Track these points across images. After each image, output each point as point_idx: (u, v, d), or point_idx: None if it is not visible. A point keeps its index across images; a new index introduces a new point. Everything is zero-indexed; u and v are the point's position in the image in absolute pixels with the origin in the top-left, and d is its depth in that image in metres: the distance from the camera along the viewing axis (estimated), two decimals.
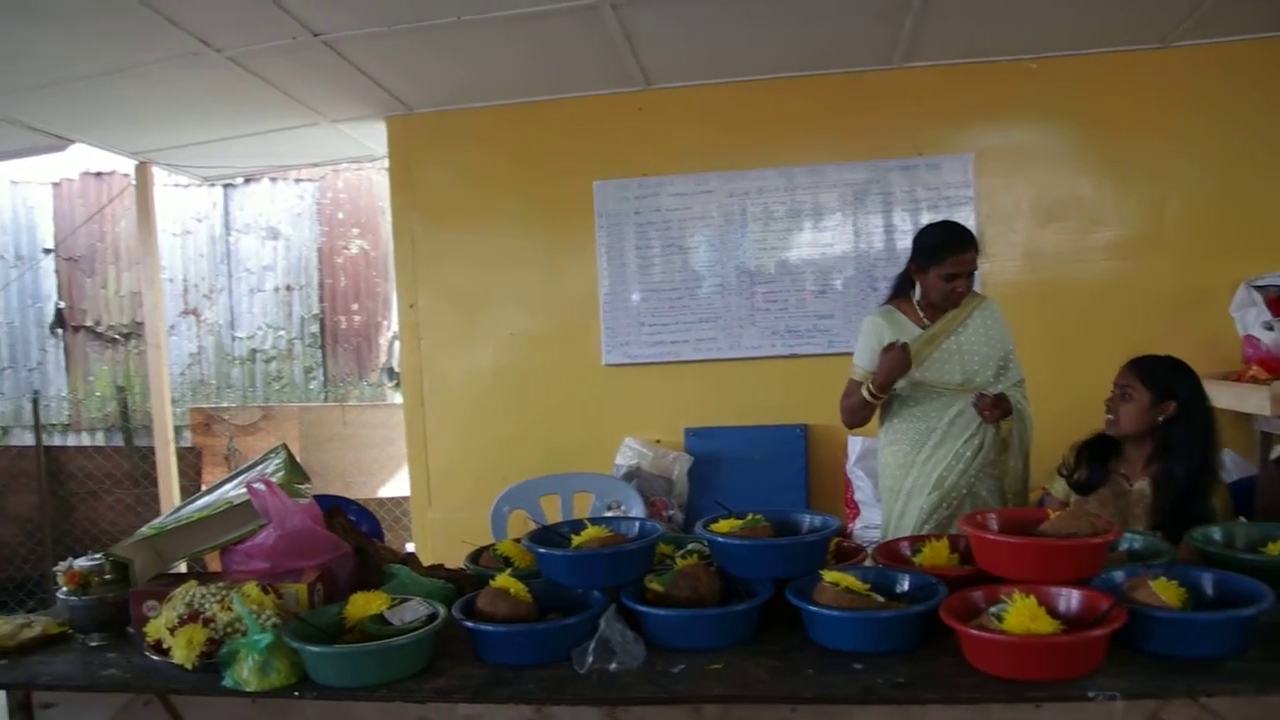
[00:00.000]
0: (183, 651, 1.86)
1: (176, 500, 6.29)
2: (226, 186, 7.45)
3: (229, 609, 1.90)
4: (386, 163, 5.66)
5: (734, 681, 1.80)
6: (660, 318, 5.09)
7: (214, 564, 2.56)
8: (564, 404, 5.22)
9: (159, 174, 6.33)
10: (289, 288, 7.51)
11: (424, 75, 4.70)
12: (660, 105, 5.06)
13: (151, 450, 6.61)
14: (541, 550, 2.09)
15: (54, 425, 7.23)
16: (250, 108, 5.02)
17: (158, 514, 6.42)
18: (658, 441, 5.02)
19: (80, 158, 6.95)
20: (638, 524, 2.25)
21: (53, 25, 3.72)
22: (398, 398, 7.48)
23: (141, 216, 6.28)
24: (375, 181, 7.45)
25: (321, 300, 7.51)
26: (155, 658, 1.95)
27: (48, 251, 7.50)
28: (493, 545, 2.47)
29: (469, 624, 1.89)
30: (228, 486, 2.32)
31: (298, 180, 7.51)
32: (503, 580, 1.98)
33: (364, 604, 1.96)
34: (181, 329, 7.45)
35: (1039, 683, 1.69)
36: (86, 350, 7.55)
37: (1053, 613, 1.76)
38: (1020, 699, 1.71)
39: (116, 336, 7.53)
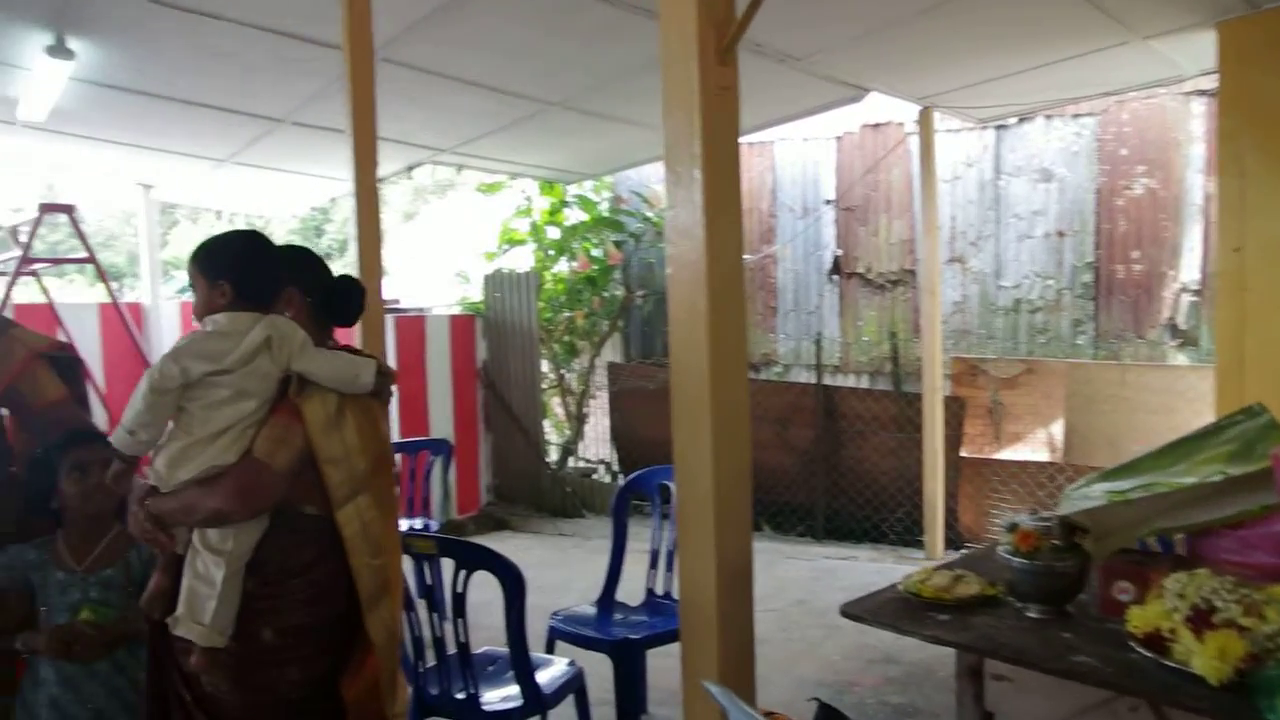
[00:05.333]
0: (1210, 663, 1.43)
1: (939, 448, 6.20)
2: (999, 128, 7.11)
3: (1264, 617, 1.43)
4: (1193, 84, 4.75)
5: None
6: None
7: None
8: None
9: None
10: (1060, 233, 6.94)
11: None
12: None
13: (915, 396, 6.62)
14: None
15: (825, 365, 7.64)
16: (1052, 33, 4.62)
17: (918, 459, 6.46)
18: None
19: (860, 111, 7.16)
20: None
21: None
22: (1180, 358, 6.52)
23: (923, 161, 6.24)
24: (1169, 110, 6.48)
25: (1097, 247, 6.81)
26: (1145, 653, 1.57)
27: (828, 203, 7.95)
28: None
29: None
30: (1200, 456, 1.83)
31: (1075, 116, 6.87)
32: None
33: None
34: (946, 276, 7.34)
35: None
36: (857, 296, 7.88)
37: None
38: None
39: (884, 284, 7.72)
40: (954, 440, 6.55)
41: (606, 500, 7.99)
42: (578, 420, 8.74)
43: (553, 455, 8.63)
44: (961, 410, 6.66)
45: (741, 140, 8.65)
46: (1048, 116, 6.94)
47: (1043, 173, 7.00)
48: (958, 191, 7.32)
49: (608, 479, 8.69)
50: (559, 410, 9.01)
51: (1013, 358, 6.96)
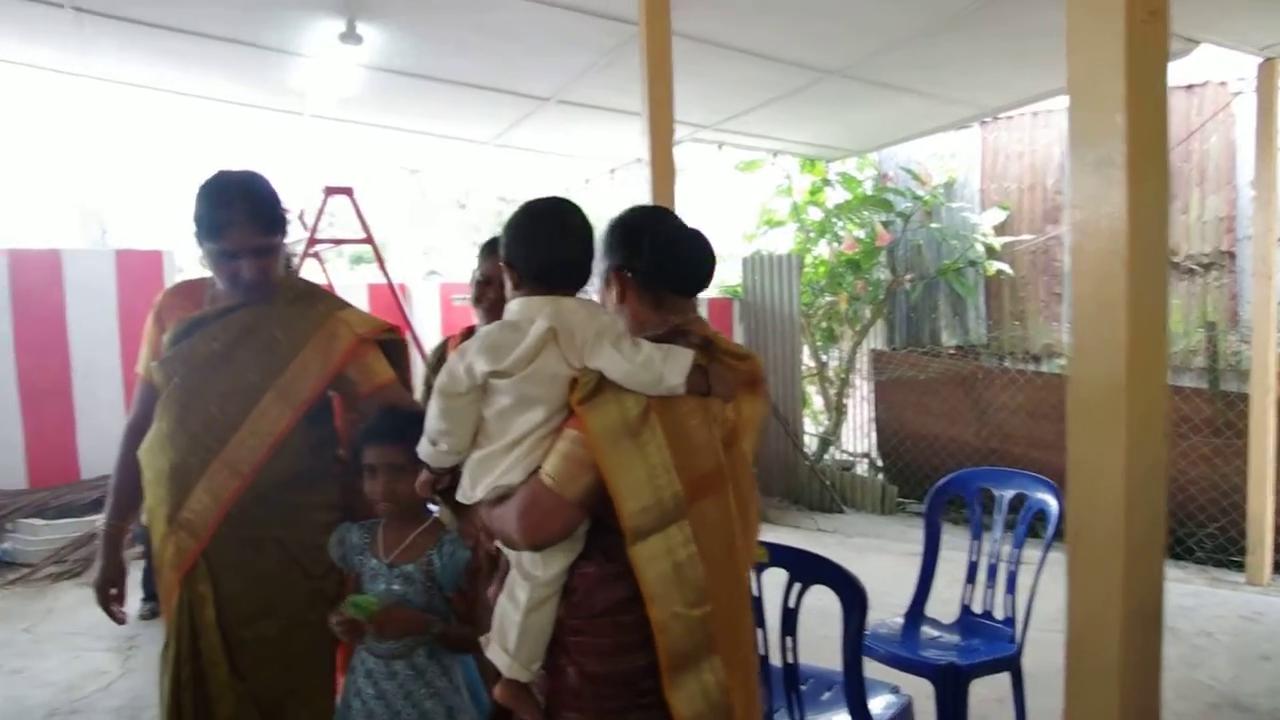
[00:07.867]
0: None
1: (1270, 458, 5.36)
2: None
3: None
4: None
5: None
6: None
7: None
8: None
9: None
10: None
11: None
12: None
13: (1238, 397, 5.78)
14: None
15: None
16: None
17: (1238, 469, 5.60)
18: None
19: (1174, 72, 6.33)
20: None
21: None
22: None
23: (1262, 123, 5.39)
24: None
25: None
26: None
27: None
28: None
29: None
30: None
31: None
32: None
33: None
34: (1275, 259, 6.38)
35: None
36: None
37: None
38: None
39: (1194, 267, 6.82)
40: None
41: (868, 496, 7.53)
42: (837, 410, 8.30)
43: (810, 446, 8.24)
44: None
45: (1023, 110, 7.87)
46: None
47: None
48: None
49: (866, 473, 8.21)
50: (817, 399, 8.59)
51: None
